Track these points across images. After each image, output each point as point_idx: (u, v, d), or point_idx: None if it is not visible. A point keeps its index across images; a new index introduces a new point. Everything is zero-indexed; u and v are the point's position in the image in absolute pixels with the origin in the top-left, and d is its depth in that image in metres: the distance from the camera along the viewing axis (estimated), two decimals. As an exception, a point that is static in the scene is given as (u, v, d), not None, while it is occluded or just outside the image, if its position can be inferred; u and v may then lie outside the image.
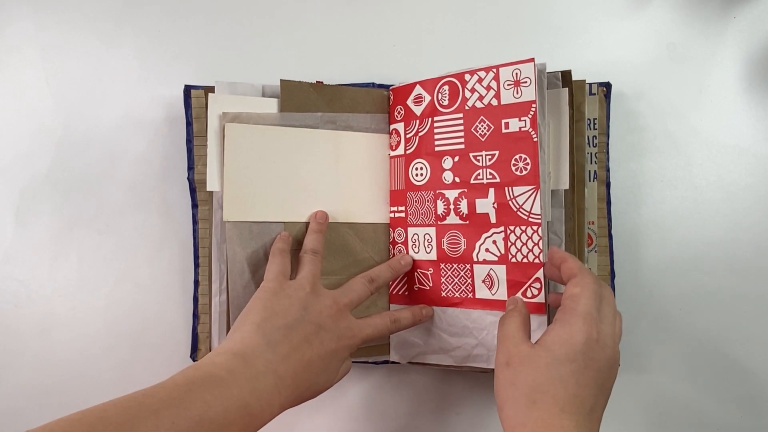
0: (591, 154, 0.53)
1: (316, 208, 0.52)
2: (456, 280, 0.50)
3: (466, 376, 0.56)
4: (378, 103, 0.55)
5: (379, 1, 0.59)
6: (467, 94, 0.49)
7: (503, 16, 0.58)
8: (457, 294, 0.51)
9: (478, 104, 0.49)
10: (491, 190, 0.48)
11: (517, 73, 0.47)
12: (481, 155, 0.49)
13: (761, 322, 0.54)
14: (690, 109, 0.56)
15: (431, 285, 0.52)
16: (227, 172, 0.50)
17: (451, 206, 0.50)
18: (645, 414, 0.55)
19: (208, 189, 0.51)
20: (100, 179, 0.57)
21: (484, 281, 0.49)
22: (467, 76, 0.49)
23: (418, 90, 0.52)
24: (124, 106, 0.58)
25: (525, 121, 0.46)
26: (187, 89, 0.54)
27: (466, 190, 0.49)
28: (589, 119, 0.53)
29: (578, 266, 0.42)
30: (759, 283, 0.54)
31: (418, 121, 0.52)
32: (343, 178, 0.53)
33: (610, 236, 0.54)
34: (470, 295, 0.50)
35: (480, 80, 0.49)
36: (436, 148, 0.51)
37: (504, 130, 0.47)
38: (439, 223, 0.51)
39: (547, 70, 0.48)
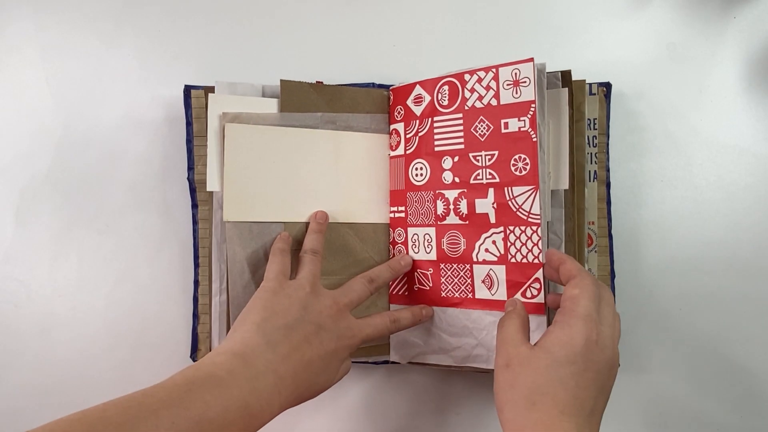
0: (591, 154, 0.53)
1: (316, 208, 0.52)
2: (456, 280, 0.50)
3: (466, 376, 0.56)
4: (378, 103, 0.55)
5: (379, 1, 0.59)
6: (467, 94, 0.49)
7: (503, 16, 0.58)
8: (456, 294, 0.51)
9: (478, 104, 0.49)
10: (491, 190, 0.48)
11: (516, 73, 0.47)
12: (481, 155, 0.49)
13: (761, 322, 0.54)
14: (690, 109, 0.56)
15: (431, 285, 0.52)
16: (227, 172, 0.50)
17: (451, 206, 0.50)
18: (645, 414, 0.55)
19: (208, 189, 0.51)
20: (100, 179, 0.57)
21: (483, 281, 0.49)
22: (467, 76, 0.49)
23: (418, 90, 0.52)
24: (124, 106, 0.58)
25: (524, 121, 0.46)
26: (187, 89, 0.54)
27: (465, 190, 0.49)
28: (589, 119, 0.53)
29: (577, 268, 0.42)
30: (759, 283, 0.54)
31: (418, 121, 0.52)
32: (343, 178, 0.53)
33: (610, 236, 0.54)
34: (470, 295, 0.50)
35: (479, 80, 0.49)
36: (436, 148, 0.51)
37: (503, 130, 0.47)
38: (438, 223, 0.51)
39: (547, 70, 0.48)
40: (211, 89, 0.52)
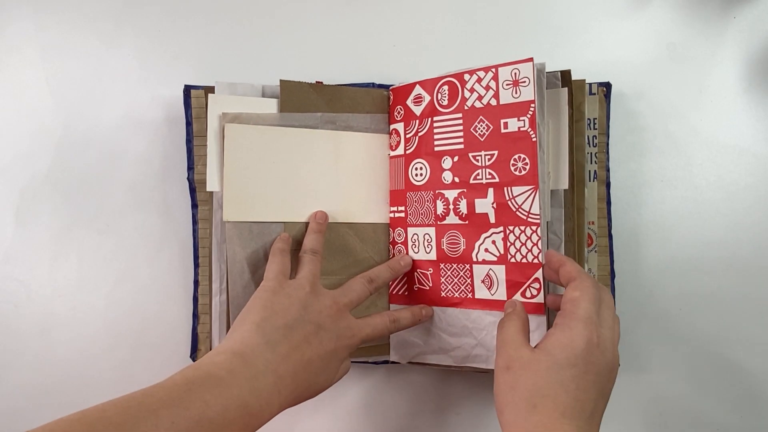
0: (591, 153, 0.53)
1: (315, 208, 0.52)
2: (455, 280, 0.50)
3: (466, 376, 0.56)
4: (378, 103, 0.55)
5: (379, 1, 0.59)
6: (466, 94, 0.49)
7: (503, 16, 0.58)
8: (456, 294, 0.51)
9: (477, 104, 0.49)
10: (490, 190, 0.48)
11: (515, 73, 0.47)
12: (481, 155, 0.49)
13: (761, 323, 0.54)
14: (690, 109, 0.56)
15: (431, 285, 0.52)
16: (227, 173, 0.50)
17: (451, 206, 0.50)
18: (645, 414, 0.55)
19: (208, 189, 0.51)
20: (100, 179, 0.57)
21: (483, 281, 0.49)
22: (466, 76, 0.49)
23: (418, 90, 0.52)
24: (124, 106, 0.58)
25: (524, 120, 0.46)
26: (187, 89, 0.54)
27: (465, 190, 0.49)
28: (589, 119, 0.53)
29: (577, 270, 0.42)
30: (759, 283, 0.54)
31: (417, 121, 0.52)
32: (343, 178, 0.53)
33: (610, 236, 0.54)
34: (470, 295, 0.50)
35: (479, 80, 0.49)
36: (436, 148, 0.51)
37: (503, 130, 0.47)
38: (438, 223, 0.51)
39: (547, 70, 0.48)
40: (211, 89, 0.52)
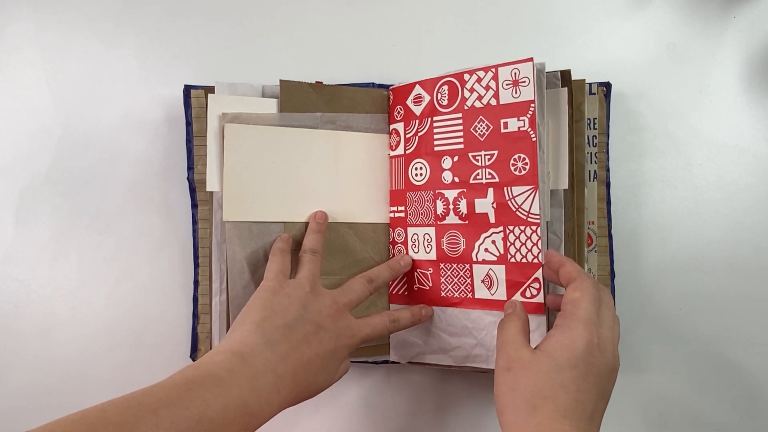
0: (591, 153, 0.53)
1: (315, 208, 0.52)
2: (455, 280, 0.50)
3: (465, 376, 0.56)
4: (378, 103, 0.55)
5: (379, 1, 0.59)
6: (466, 93, 0.49)
7: (503, 16, 0.58)
8: (456, 294, 0.51)
9: (477, 104, 0.49)
10: (490, 190, 0.48)
11: (515, 73, 0.47)
12: (480, 155, 0.49)
13: (761, 323, 0.54)
14: (690, 109, 0.56)
15: (431, 285, 0.52)
16: (227, 173, 0.50)
17: (451, 206, 0.50)
18: (645, 414, 0.55)
19: (207, 189, 0.51)
20: (100, 179, 0.57)
21: (483, 281, 0.49)
22: (466, 76, 0.49)
23: (418, 90, 0.52)
24: (124, 106, 0.58)
25: (524, 120, 0.46)
26: (187, 89, 0.54)
27: (465, 189, 0.49)
28: (589, 119, 0.53)
29: (577, 270, 0.42)
30: (759, 283, 0.54)
31: (417, 121, 0.52)
32: (343, 178, 0.53)
33: (610, 236, 0.54)
34: (469, 295, 0.50)
35: (479, 80, 0.49)
36: (436, 148, 0.51)
37: (503, 130, 0.47)
38: (438, 223, 0.51)
39: (547, 70, 0.48)
40: (211, 89, 0.52)
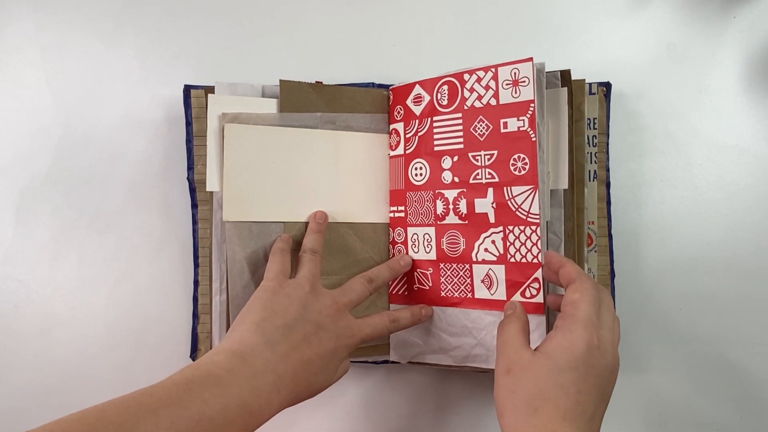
0: (591, 153, 0.53)
1: (315, 208, 0.52)
2: (455, 280, 0.50)
3: (465, 376, 0.56)
4: (378, 103, 0.55)
5: (379, 1, 0.59)
6: (466, 93, 0.49)
7: (503, 16, 0.58)
8: (456, 294, 0.51)
9: (477, 104, 0.49)
10: (490, 190, 0.48)
11: (515, 73, 0.47)
12: (480, 155, 0.49)
13: (761, 323, 0.54)
14: (690, 109, 0.56)
15: (431, 285, 0.52)
16: (227, 173, 0.50)
17: (451, 206, 0.50)
18: (644, 414, 0.55)
19: (207, 189, 0.51)
20: (100, 179, 0.57)
21: (483, 281, 0.49)
22: (466, 76, 0.49)
23: (418, 90, 0.52)
24: (124, 106, 0.58)
25: (523, 120, 0.46)
26: (187, 89, 0.54)
27: (465, 189, 0.49)
28: (588, 119, 0.53)
29: (577, 271, 0.42)
30: (759, 283, 0.54)
31: (417, 120, 0.52)
32: (343, 178, 0.53)
33: (610, 236, 0.54)
34: (469, 295, 0.50)
35: (479, 80, 0.49)
36: (436, 148, 0.51)
37: (503, 130, 0.47)
38: (438, 222, 0.51)
39: (547, 70, 0.48)
40: (211, 89, 0.52)
